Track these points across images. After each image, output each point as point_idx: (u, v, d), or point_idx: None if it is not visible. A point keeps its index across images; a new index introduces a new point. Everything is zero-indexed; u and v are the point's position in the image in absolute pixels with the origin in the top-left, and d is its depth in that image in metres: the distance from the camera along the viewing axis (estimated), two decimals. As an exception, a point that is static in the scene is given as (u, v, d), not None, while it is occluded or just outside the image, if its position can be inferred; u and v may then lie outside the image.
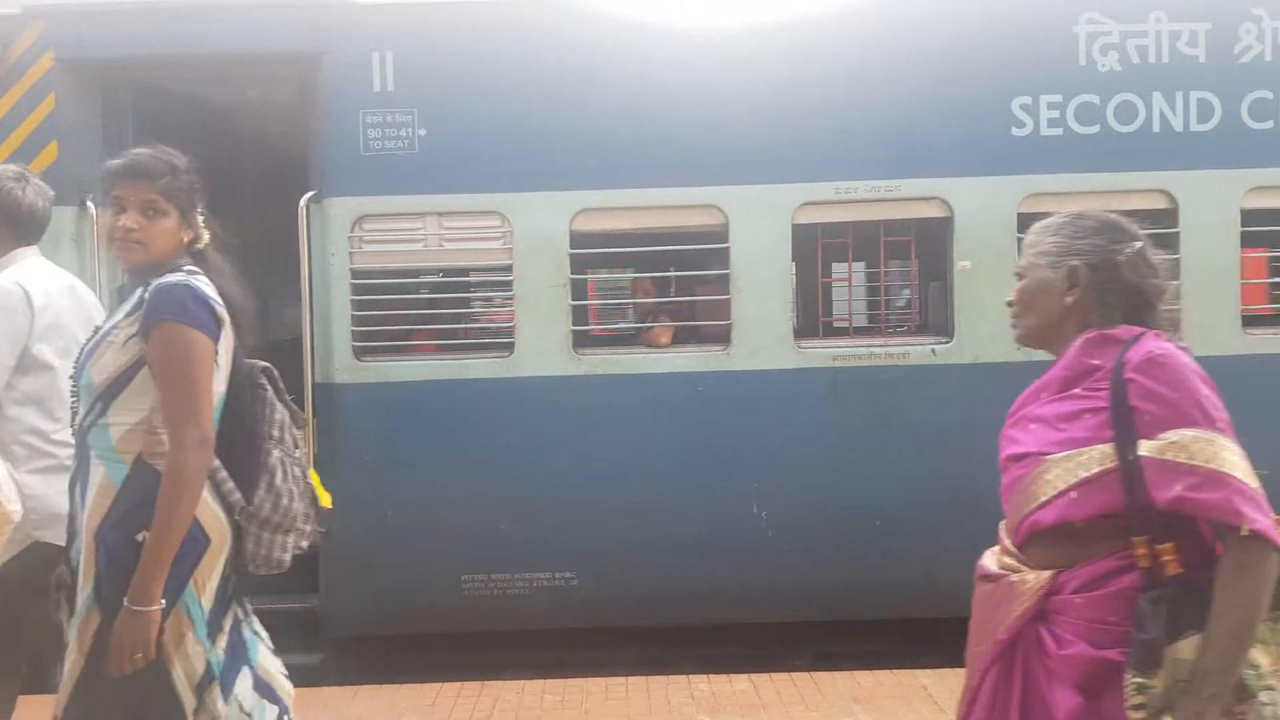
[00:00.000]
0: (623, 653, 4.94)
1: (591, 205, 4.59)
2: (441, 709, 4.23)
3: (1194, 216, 4.58)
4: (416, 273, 4.97)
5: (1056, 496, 1.94)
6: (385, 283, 4.65)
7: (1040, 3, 4.63)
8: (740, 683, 4.41)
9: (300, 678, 4.63)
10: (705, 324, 4.80)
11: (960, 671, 4.57)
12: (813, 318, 4.94)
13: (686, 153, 4.59)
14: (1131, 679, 1.82)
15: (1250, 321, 4.69)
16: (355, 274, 4.61)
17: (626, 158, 4.59)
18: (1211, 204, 4.58)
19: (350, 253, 4.59)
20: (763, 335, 4.59)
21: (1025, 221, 4.51)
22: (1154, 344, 1.95)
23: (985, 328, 4.55)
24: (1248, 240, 4.66)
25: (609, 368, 4.65)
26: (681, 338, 4.82)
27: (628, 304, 5.23)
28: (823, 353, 4.65)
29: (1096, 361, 1.98)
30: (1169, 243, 4.54)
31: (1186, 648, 1.80)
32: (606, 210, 4.60)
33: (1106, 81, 4.58)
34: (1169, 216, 4.57)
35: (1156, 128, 4.59)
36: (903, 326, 5.21)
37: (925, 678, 4.38)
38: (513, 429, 4.60)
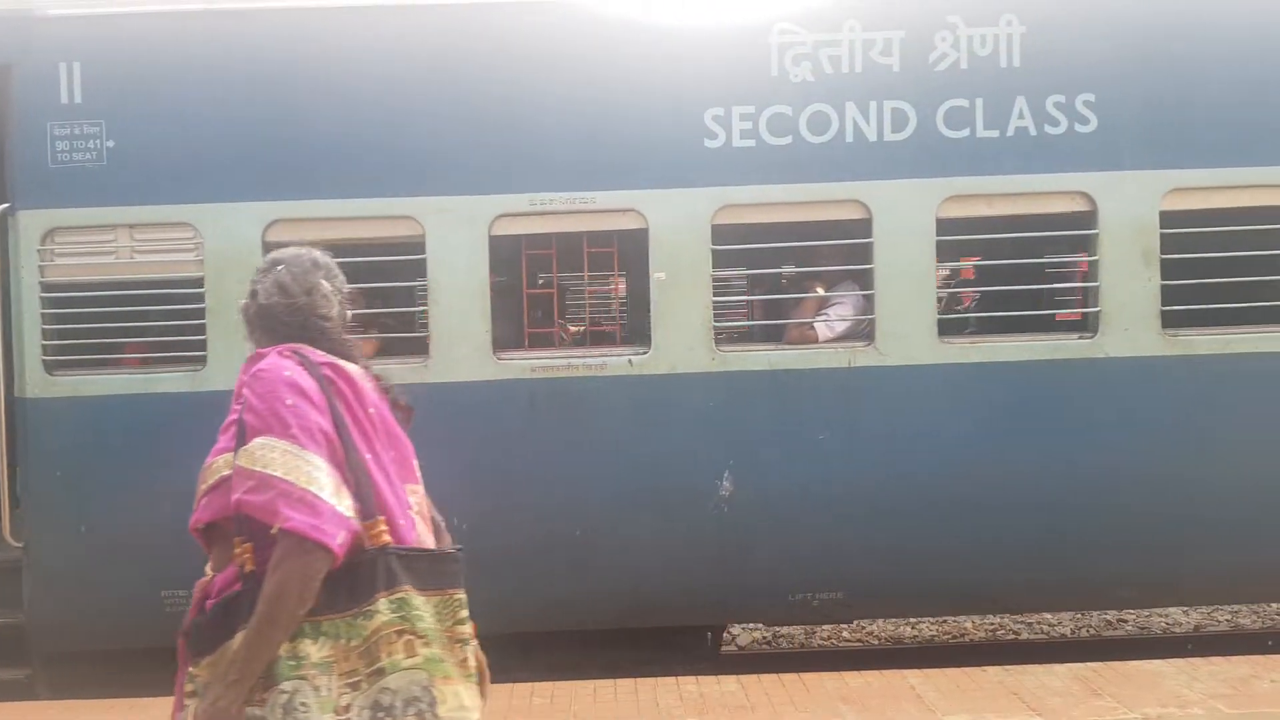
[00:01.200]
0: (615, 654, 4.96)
1: (286, 216, 4.51)
2: (430, 712, 4.23)
3: (888, 226, 4.54)
4: (110, 286, 4.70)
5: (198, 501, 2.16)
6: (75, 296, 4.55)
7: (732, 13, 4.58)
8: (729, 684, 4.41)
9: (8, 693, 4.71)
10: (410, 336, 4.74)
11: (951, 671, 4.60)
12: (518, 329, 4.89)
13: (382, 163, 4.54)
14: (190, 668, 2.05)
15: (946, 329, 4.70)
16: (45, 287, 4.51)
17: (321, 168, 4.53)
18: (906, 213, 4.54)
19: (40, 266, 4.50)
20: (461, 347, 4.53)
21: (721, 233, 4.56)
22: (266, 360, 2.14)
23: (682, 339, 4.54)
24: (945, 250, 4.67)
25: None
26: (393, 349, 4.73)
27: None
28: (521, 364, 4.59)
29: (243, 378, 2.18)
30: (864, 253, 4.56)
31: (238, 639, 1.98)
32: (301, 221, 4.48)
33: (799, 92, 4.53)
34: (864, 226, 4.55)
35: (850, 138, 4.54)
36: (613, 338, 5.19)
37: (913, 678, 4.39)
38: (207, 443, 4.53)
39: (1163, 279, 4.54)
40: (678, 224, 4.54)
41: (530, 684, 4.51)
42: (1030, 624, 7.38)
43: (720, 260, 4.67)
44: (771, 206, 4.56)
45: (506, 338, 4.75)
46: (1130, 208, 4.54)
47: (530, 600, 4.61)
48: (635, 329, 4.91)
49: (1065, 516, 4.59)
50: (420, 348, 4.60)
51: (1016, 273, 4.92)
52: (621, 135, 4.56)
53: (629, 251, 4.76)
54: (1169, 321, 4.58)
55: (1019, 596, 5.00)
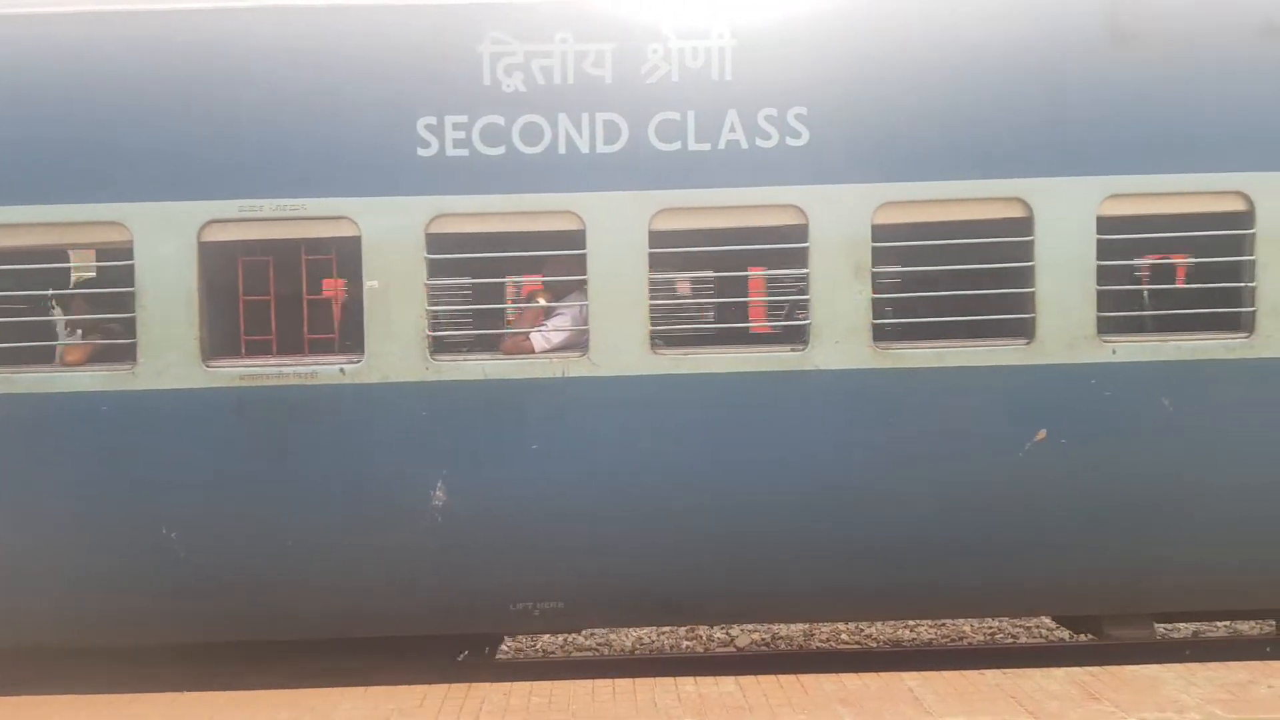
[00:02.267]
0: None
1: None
2: (428, 710, 4.24)
3: (601, 238, 4.52)
4: None
5: None
6: None
7: (443, 21, 4.55)
8: (726, 684, 4.41)
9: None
10: (118, 343, 4.66)
11: (948, 674, 4.60)
12: (235, 338, 4.83)
13: (88, 167, 4.48)
14: None
15: (665, 341, 4.70)
16: None
17: (29, 170, 4.48)
18: (620, 225, 4.52)
19: None
20: (169, 355, 4.49)
21: (435, 242, 4.54)
22: None
23: (395, 348, 4.52)
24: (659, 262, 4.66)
25: (7, 387, 4.54)
26: (103, 357, 4.70)
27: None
28: (230, 372, 4.54)
29: None
30: (581, 264, 4.55)
31: None
32: (9, 227, 4.49)
33: (511, 102, 4.51)
34: (579, 238, 4.54)
35: (563, 149, 4.52)
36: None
37: (911, 680, 4.40)
38: None
39: (875, 292, 4.57)
40: (390, 233, 4.52)
41: (529, 683, 4.52)
42: (1029, 628, 7.39)
43: (436, 270, 4.65)
44: (487, 216, 4.54)
45: (222, 346, 4.69)
46: (841, 221, 4.55)
47: (252, 609, 4.65)
48: (353, 338, 4.83)
49: (775, 528, 4.62)
50: (128, 355, 4.55)
51: (733, 285, 4.93)
52: (334, 142, 4.52)
53: (348, 260, 4.68)
54: (880, 335, 4.61)
55: (727, 606, 4.99)
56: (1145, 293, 5.26)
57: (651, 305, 4.60)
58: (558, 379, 4.55)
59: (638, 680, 4.50)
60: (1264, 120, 4.58)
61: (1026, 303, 4.58)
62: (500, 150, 4.52)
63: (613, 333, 4.54)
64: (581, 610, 4.88)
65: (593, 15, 4.54)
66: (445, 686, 4.50)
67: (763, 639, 7.65)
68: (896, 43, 4.58)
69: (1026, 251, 4.55)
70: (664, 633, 7.58)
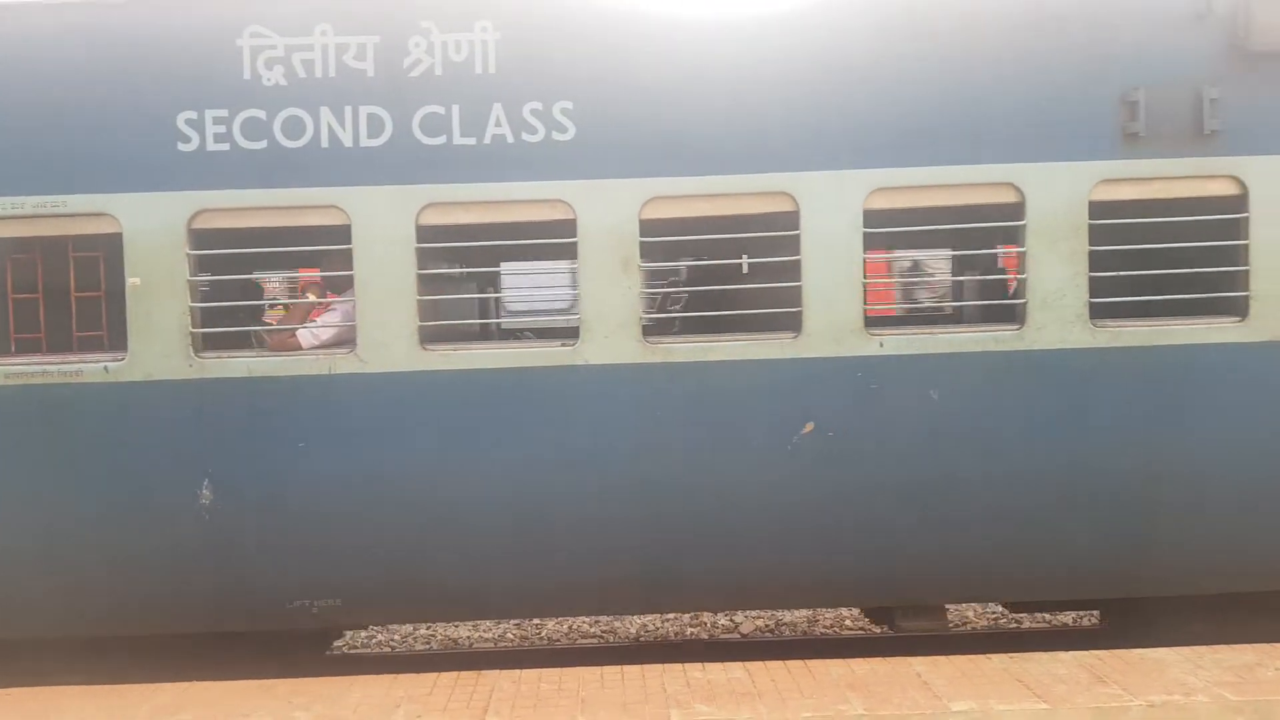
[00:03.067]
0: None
1: None
2: (438, 698, 4.25)
3: (368, 233, 4.52)
4: None
5: None
6: None
7: (202, 15, 4.52)
8: (735, 670, 4.43)
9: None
10: None
11: (956, 659, 4.62)
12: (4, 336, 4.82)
13: None
14: None
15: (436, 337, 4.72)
16: None
17: None
18: (386, 220, 4.52)
19: None
20: None
21: (201, 238, 4.53)
22: None
23: (158, 345, 4.50)
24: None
25: None
26: None
27: None
28: None
29: None
30: (349, 259, 4.52)
31: None
32: None
33: (273, 96, 4.49)
34: (343, 233, 4.54)
35: (326, 143, 4.50)
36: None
37: (919, 665, 4.41)
38: None
39: (645, 287, 4.59)
40: (152, 228, 4.49)
41: (538, 670, 4.53)
42: (1035, 616, 7.41)
43: (201, 266, 4.64)
44: (250, 211, 4.52)
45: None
46: (609, 215, 4.54)
47: (21, 606, 4.66)
48: (121, 336, 4.79)
49: (551, 521, 4.66)
50: None
51: (496, 280, 4.91)
52: (95, 138, 4.48)
53: (114, 257, 4.63)
54: (651, 330, 4.62)
55: (506, 599, 5.00)
56: (924, 286, 5.30)
57: (420, 301, 4.59)
58: (325, 376, 4.55)
59: (646, 666, 4.52)
60: (1033, 112, 4.59)
61: (795, 297, 4.58)
62: (262, 144, 4.51)
63: (381, 329, 4.55)
64: (360, 607, 4.86)
65: (354, 9, 4.53)
66: (454, 675, 4.51)
67: (766, 625, 7.69)
68: (665, 37, 4.57)
69: (795, 245, 4.56)
70: (668, 619, 7.61)
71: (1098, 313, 4.65)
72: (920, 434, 4.64)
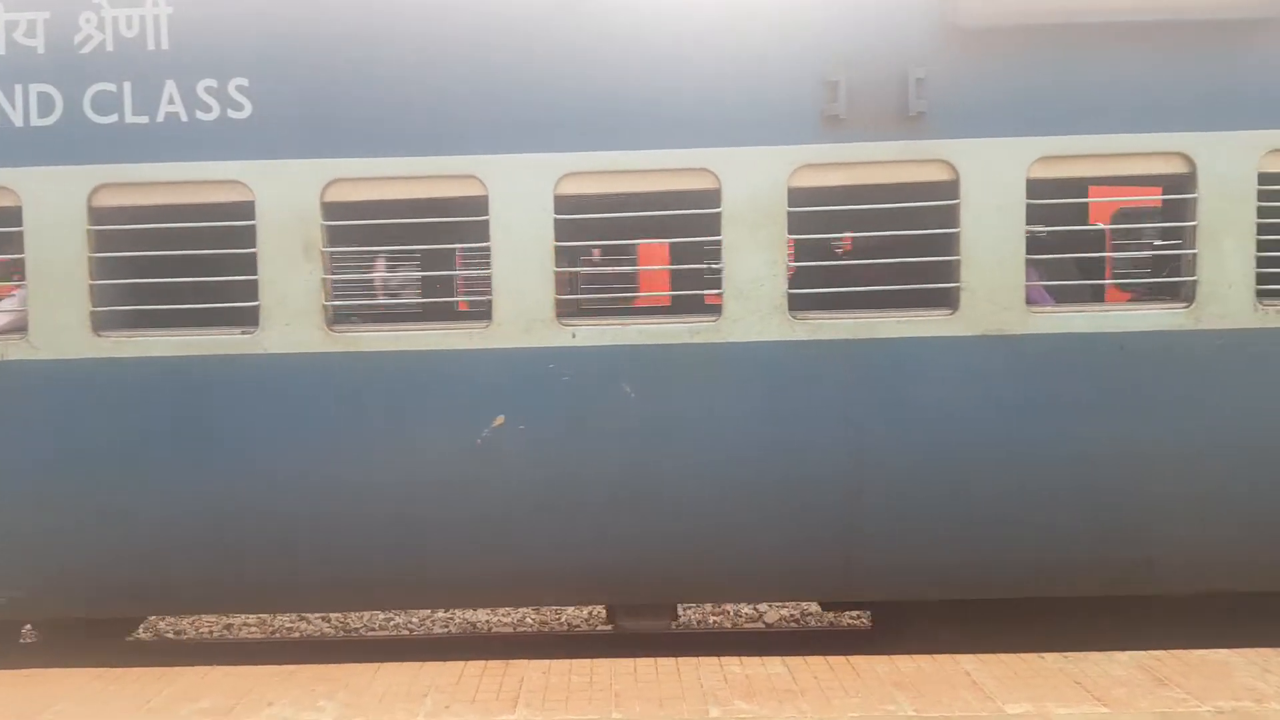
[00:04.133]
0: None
1: None
2: (466, 687, 4.08)
3: (37, 215, 4.36)
4: None
5: None
6: None
7: None
8: (774, 665, 4.25)
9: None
10: None
11: (1006, 657, 4.41)
12: None
13: None
14: None
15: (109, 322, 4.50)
16: None
17: None
18: (57, 202, 4.35)
19: None
20: None
21: None
22: None
23: None
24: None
25: None
26: None
27: None
28: None
29: None
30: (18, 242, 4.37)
31: None
32: None
33: None
34: (14, 215, 4.37)
35: None
36: None
37: (968, 663, 4.22)
38: None
39: (327, 273, 4.39)
40: None
41: (568, 660, 4.36)
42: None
43: None
44: None
45: None
46: (290, 197, 4.35)
47: None
48: None
49: (216, 517, 4.48)
50: None
51: (187, 265, 4.64)
52: None
53: None
54: (335, 317, 4.47)
55: (190, 595, 4.78)
56: (619, 274, 5.06)
57: (95, 287, 4.41)
58: None
59: (681, 660, 4.34)
60: (730, 94, 4.36)
61: (488, 285, 4.38)
62: None
63: (53, 315, 4.38)
64: (41, 599, 4.69)
65: None
66: (482, 664, 4.35)
67: (790, 614, 7.52)
68: (347, 12, 4.35)
69: (484, 231, 4.37)
70: (687, 609, 7.44)
71: (798, 304, 4.42)
72: (614, 428, 4.43)
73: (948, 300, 4.44)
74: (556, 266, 4.43)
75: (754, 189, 4.37)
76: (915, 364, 4.42)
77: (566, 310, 4.51)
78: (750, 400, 4.44)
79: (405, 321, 4.53)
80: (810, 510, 4.51)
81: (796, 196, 4.40)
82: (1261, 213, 4.37)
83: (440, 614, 7.38)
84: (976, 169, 4.36)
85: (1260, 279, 4.38)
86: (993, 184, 4.36)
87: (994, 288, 4.39)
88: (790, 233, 4.40)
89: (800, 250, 4.72)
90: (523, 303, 4.41)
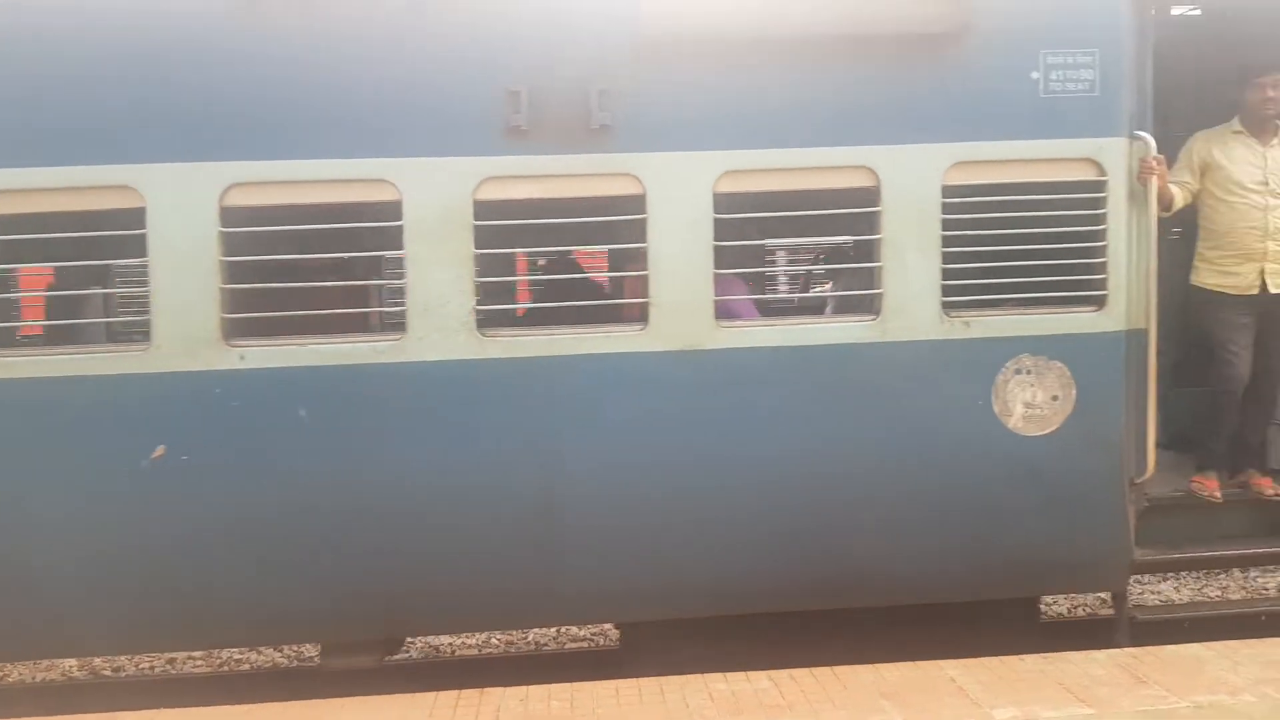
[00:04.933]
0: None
1: None
2: (440, 719, 3.92)
3: None
4: None
5: None
6: None
7: None
8: (759, 681, 4.18)
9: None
10: None
11: (988, 661, 4.42)
12: None
13: None
14: None
15: None
16: None
17: None
18: None
19: None
20: None
21: None
22: None
23: None
24: None
25: None
26: None
27: None
28: None
29: None
30: None
31: None
32: None
33: None
34: None
35: None
36: None
37: (951, 669, 4.21)
38: None
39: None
40: None
41: (547, 685, 4.22)
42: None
43: None
44: None
45: None
46: None
47: None
48: None
49: None
50: None
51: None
52: None
53: None
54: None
55: None
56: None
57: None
58: None
59: (664, 679, 4.24)
60: (413, 103, 4.20)
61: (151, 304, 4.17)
62: None
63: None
64: None
65: None
66: (455, 693, 4.18)
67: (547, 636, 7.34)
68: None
69: (140, 247, 4.13)
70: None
71: (488, 321, 4.37)
72: (290, 456, 4.21)
73: (641, 315, 4.35)
74: (224, 283, 4.15)
75: (438, 202, 4.21)
76: (610, 381, 4.32)
77: (243, 330, 4.19)
78: (439, 423, 4.25)
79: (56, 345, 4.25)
80: (509, 533, 4.34)
81: (483, 210, 4.24)
82: (946, 225, 4.40)
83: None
84: (663, 183, 4.28)
85: (945, 291, 4.41)
86: (679, 198, 4.29)
87: (683, 302, 4.31)
88: (479, 248, 4.24)
89: (491, 266, 4.51)
90: (186, 323, 4.12)
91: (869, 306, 4.49)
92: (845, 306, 4.86)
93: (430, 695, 4.18)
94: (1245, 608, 5.78)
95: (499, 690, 4.20)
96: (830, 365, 4.40)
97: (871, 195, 4.40)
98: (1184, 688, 3.93)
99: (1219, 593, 7.30)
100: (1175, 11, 5.41)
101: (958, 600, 4.74)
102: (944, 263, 4.42)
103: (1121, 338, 4.52)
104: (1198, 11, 5.46)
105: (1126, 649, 4.41)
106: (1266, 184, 4.88)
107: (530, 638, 6.96)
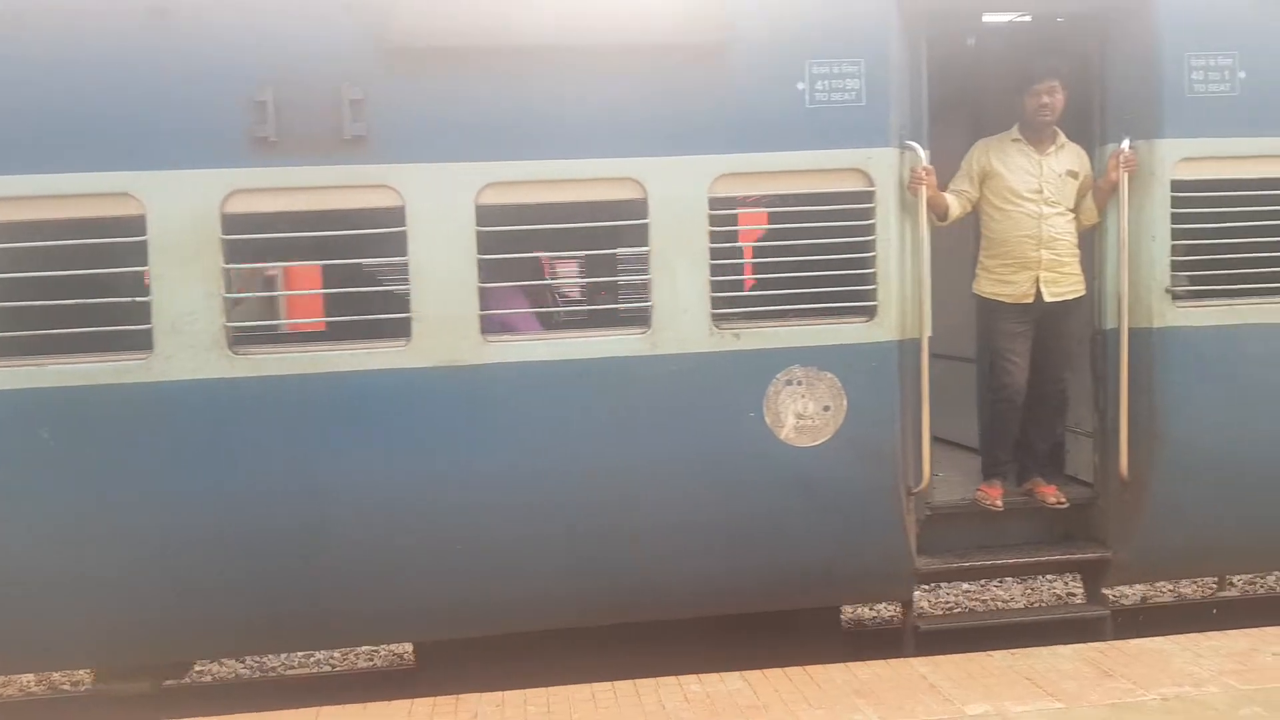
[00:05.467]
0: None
1: None
2: (416, 727, 3.90)
3: None
4: None
5: None
6: None
7: None
8: (733, 682, 4.20)
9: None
10: None
11: (956, 657, 4.48)
12: None
13: None
14: None
15: None
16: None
17: None
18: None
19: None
20: None
21: None
22: None
23: None
24: None
25: None
26: None
27: None
28: None
29: None
30: None
31: None
32: None
33: None
34: None
35: None
36: None
37: (922, 666, 4.26)
38: None
39: None
40: None
41: (523, 690, 4.21)
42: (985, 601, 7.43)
43: None
44: None
45: None
46: None
47: None
48: None
49: None
50: None
51: None
52: None
53: None
54: None
55: None
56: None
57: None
58: None
59: (639, 682, 4.24)
60: (153, 113, 4.04)
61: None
62: None
63: None
64: None
65: None
66: (432, 700, 4.16)
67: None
68: None
69: None
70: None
71: (237, 339, 4.21)
72: (31, 482, 4.06)
73: (403, 330, 4.24)
74: None
75: (184, 215, 4.07)
76: (371, 398, 4.21)
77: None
78: (189, 445, 4.12)
79: None
80: (270, 557, 4.23)
81: (232, 224, 4.11)
82: (714, 237, 4.37)
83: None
84: (421, 195, 4.17)
85: (715, 303, 4.37)
86: (439, 211, 4.19)
87: (446, 317, 4.22)
88: (229, 262, 4.12)
89: (233, 282, 4.37)
90: None
91: (640, 319, 4.41)
92: (619, 320, 4.70)
93: (406, 703, 4.16)
94: (1028, 616, 5.81)
95: (475, 696, 4.19)
96: (602, 379, 4.33)
97: (639, 207, 4.32)
98: (1150, 680, 4.01)
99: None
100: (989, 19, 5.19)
101: (748, 612, 4.72)
102: (713, 275, 4.36)
103: (894, 348, 4.48)
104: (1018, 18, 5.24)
105: (1094, 644, 4.47)
106: (1041, 192, 4.80)
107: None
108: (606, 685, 4.23)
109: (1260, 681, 3.95)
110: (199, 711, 4.64)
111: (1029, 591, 7.40)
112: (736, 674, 4.28)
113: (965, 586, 7.44)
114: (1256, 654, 4.26)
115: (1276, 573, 7.24)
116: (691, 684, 4.20)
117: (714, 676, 4.27)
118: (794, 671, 4.29)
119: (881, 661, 4.34)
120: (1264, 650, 4.29)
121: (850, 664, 4.33)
